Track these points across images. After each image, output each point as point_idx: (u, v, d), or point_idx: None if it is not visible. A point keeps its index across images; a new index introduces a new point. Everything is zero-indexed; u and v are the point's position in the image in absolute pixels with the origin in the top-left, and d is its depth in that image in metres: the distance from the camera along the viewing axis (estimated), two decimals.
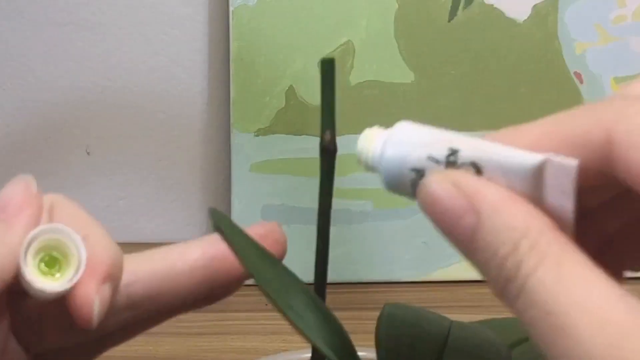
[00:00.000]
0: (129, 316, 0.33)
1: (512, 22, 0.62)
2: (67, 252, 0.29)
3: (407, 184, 0.25)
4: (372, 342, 0.32)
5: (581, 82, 0.62)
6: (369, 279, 0.63)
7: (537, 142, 0.25)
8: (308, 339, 0.27)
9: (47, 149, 0.67)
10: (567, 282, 0.22)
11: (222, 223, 0.28)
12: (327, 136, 0.28)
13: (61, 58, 0.65)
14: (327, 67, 0.29)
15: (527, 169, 0.24)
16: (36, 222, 0.29)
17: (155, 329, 0.60)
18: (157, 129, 0.67)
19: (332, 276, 0.32)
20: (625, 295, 0.22)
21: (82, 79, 0.65)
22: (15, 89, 0.65)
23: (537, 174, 0.24)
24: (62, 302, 0.29)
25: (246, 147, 0.62)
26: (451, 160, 0.24)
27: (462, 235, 0.24)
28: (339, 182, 0.68)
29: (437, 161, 0.25)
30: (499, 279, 0.23)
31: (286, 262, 0.70)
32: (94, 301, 0.28)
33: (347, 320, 0.30)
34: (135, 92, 0.66)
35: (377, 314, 0.33)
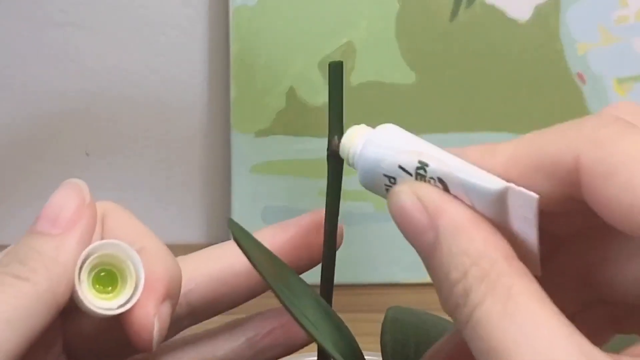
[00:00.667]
0: (188, 323, 0.31)
1: (513, 22, 0.61)
2: (124, 268, 0.27)
3: (382, 186, 0.25)
4: (374, 345, 0.31)
5: (583, 82, 0.62)
6: (370, 281, 0.63)
7: (507, 165, 0.24)
8: (322, 346, 0.26)
9: (46, 150, 0.67)
10: (514, 318, 0.21)
11: (238, 234, 0.27)
12: (335, 141, 0.28)
13: (60, 58, 0.65)
14: (335, 71, 0.28)
15: (490, 194, 0.23)
16: (90, 235, 0.27)
17: None
18: (156, 130, 0.67)
19: None
20: (574, 334, 0.21)
21: (81, 80, 0.65)
22: (15, 90, 0.65)
23: (501, 200, 0.23)
24: (119, 320, 0.27)
25: (246, 148, 0.62)
26: (420, 173, 0.24)
27: (423, 251, 0.23)
28: None
29: (407, 172, 0.25)
30: (448, 302, 0.22)
31: None
32: (153, 324, 0.27)
33: (349, 322, 0.29)
34: (135, 93, 0.66)
35: (378, 316, 0.33)
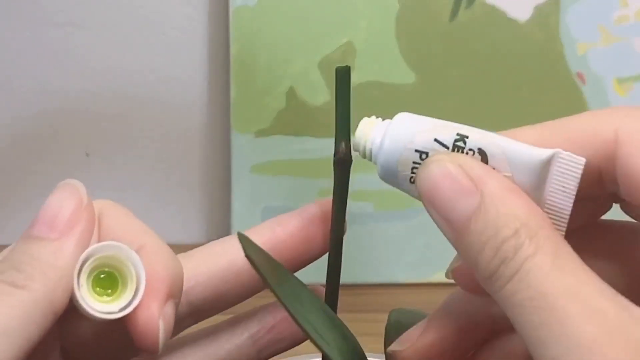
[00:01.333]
0: (190, 323, 0.31)
1: (513, 22, 0.61)
2: (124, 270, 0.26)
3: (407, 169, 0.25)
4: (374, 345, 0.31)
5: (583, 82, 0.62)
6: (370, 281, 0.63)
7: (542, 139, 0.25)
8: (327, 356, 0.26)
9: (46, 150, 0.67)
10: (564, 271, 0.22)
11: (246, 244, 0.27)
12: (342, 147, 0.28)
13: (60, 59, 0.65)
14: (342, 76, 0.28)
15: (535, 162, 0.24)
16: (89, 238, 0.27)
17: None
18: (156, 130, 0.67)
19: None
20: (618, 294, 0.22)
21: (81, 80, 0.65)
22: (15, 90, 0.65)
23: (544, 168, 0.24)
24: (121, 322, 0.26)
25: (246, 149, 0.62)
26: (459, 145, 0.25)
27: (460, 215, 0.24)
28: None
29: (444, 145, 0.25)
30: (493, 260, 0.23)
31: None
32: (158, 326, 0.26)
33: (349, 322, 0.29)
34: (135, 93, 0.66)
35: (378, 316, 0.32)
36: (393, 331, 0.31)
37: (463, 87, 0.62)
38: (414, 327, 0.29)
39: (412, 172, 0.25)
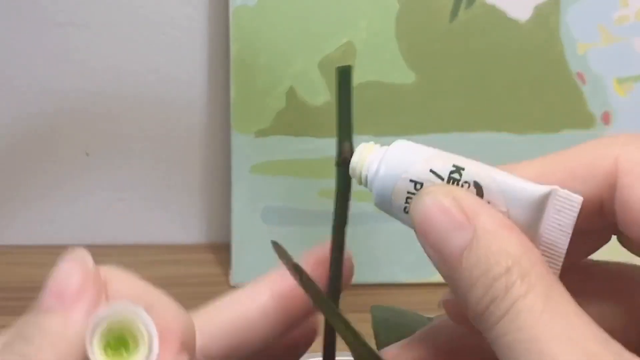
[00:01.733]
0: None
1: (513, 22, 0.61)
2: (135, 330, 0.26)
3: (401, 199, 0.25)
4: (374, 345, 0.31)
5: (584, 82, 0.62)
6: (370, 281, 0.63)
7: (543, 174, 0.25)
8: None
9: (46, 150, 0.67)
10: (556, 313, 0.22)
11: (283, 257, 0.27)
12: (346, 148, 0.28)
13: (60, 58, 0.65)
14: (344, 76, 0.28)
15: (531, 198, 0.24)
16: (97, 305, 0.26)
17: None
18: (156, 130, 0.67)
19: None
20: (610, 340, 0.22)
21: (81, 80, 0.65)
22: (15, 90, 0.65)
23: (540, 205, 0.24)
24: None
25: (246, 149, 0.62)
26: (454, 177, 0.25)
27: (453, 250, 0.23)
28: None
29: (439, 176, 0.25)
30: (483, 298, 0.23)
31: None
32: None
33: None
34: (135, 93, 0.66)
35: None
36: (382, 329, 0.31)
37: (463, 87, 0.62)
38: (394, 345, 0.29)
39: (407, 202, 0.25)
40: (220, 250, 0.67)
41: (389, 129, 0.61)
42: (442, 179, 0.25)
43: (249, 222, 0.63)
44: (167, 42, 0.65)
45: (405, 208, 0.25)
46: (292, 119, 0.62)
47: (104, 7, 0.64)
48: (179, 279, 0.64)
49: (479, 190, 0.24)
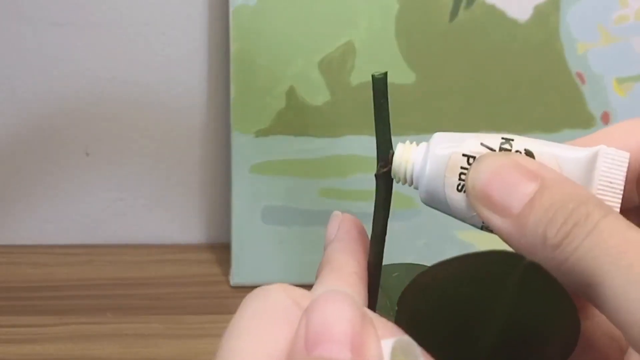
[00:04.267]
0: None
1: (513, 22, 0.61)
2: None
3: (454, 176, 0.26)
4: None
5: (583, 82, 0.62)
6: None
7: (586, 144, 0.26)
8: None
9: (46, 150, 0.67)
10: (635, 230, 0.23)
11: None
12: (387, 158, 0.27)
13: (60, 58, 0.65)
14: (380, 84, 0.28)
15: (581, 160, 0.25)
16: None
17: (156, 331, 0.60)
18: (156, 130, 0.67)
19: None
20: None
21: (81, 80, 0.65)
22: (15, 90, 0.65)
23: (590, 165, 0.25)
24: None
25: (246, 148, 0.62)
26: (505, 148, 0.26)
27: (522, 198, 0.24)
28: (339, 183, 0.68)
29: (490, 148, 0.26)
30: (564, 226, 0.23)
31: (285, 263, 0.70)
32: None
33: None
34: (135, 92, 0.66)
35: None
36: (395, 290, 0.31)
37: (463, 87, 0.62)
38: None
39: (460, 179, 0.26)
40: (220, 250, 0.67)
41: None
42: (494, 151, 0.26)
43: (249, 222, 0.63)
44: (167, 42, 0.65)
45: (458, 185, 0.26)
46: (292, 118, 0.62)
47: (104, 8, 0.64)
48: (179, 279, 0.64)
49: (531, 156, 0.26)
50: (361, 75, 0.61)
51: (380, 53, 0.61)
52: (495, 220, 0.25)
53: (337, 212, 0.30)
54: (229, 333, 0.24)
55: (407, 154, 0.27)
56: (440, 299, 0.26)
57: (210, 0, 0.64)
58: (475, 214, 0.26)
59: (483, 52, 0.61)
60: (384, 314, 0.26)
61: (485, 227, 0.26)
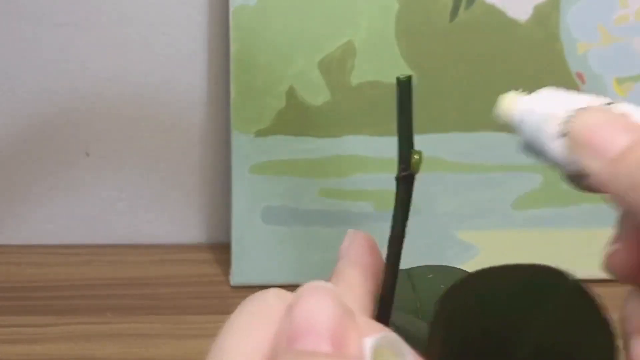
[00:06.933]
0: None
1: (513, 22, 0.61)
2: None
3: (558, 122, 0.26)
4: None
5: (583, 82, 0.62)
6: None
7: None
8: None
9: (46, 150, 0.67)
10: None
11: None
12: (409, 161, 0.27)
13: (60, 58, 0.65)
14: (405, 87, 0.28)
15: None
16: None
17: (156, 331, 0.60)
18: (156, 130, 0.67)
19: None
20: None
21: (81, 80, 0.65)
22: (15, 90, 0.65)
23: None
24: None
25: (246, 148, 0.62)
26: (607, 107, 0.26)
27: (622, 143, 0.25)
28: (339, 183, 0.68)
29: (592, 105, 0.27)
30: None
31: (285, 263, 0.70)
32: None
33: None
34: (135, 92, 0.66)
35: None
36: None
37: (463, 87, 0.62)
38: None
39: (561, 128, 0.26)
40: (220, 250, 0.67)
41: (389, 129, 0.61)
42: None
43: (249, 222, 0.63)
44: (167, 42, 0.65)
45: (559, 133, 0.26)
46: (292, 118, 0.62)
47: (103, 8, 0.64)
48: (179, 279, 0.64)
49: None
50: (361, 75, 0.61)
51: (380, 53, 0.61)
52: (594, 163, 0.25)
53: (350, 231, 0.30)
54: (221, 332, 0.25)
55: (514, 98, 0.28)
56: (479, 305, 0.26)
57: (210, 0, 0.64)
58: (573, 160, 0.26)
59: (483, 52, 0.61)
60: (408, 314, 0.26)
61: (577, 180, 0.26)
